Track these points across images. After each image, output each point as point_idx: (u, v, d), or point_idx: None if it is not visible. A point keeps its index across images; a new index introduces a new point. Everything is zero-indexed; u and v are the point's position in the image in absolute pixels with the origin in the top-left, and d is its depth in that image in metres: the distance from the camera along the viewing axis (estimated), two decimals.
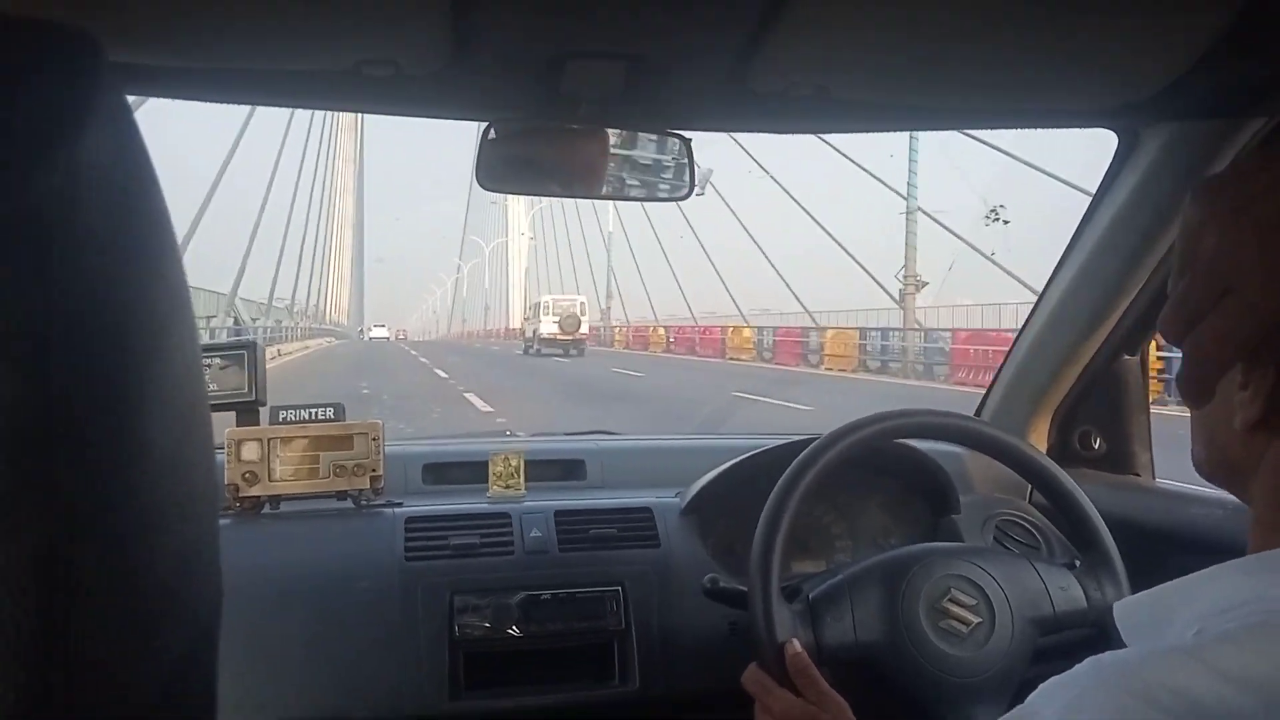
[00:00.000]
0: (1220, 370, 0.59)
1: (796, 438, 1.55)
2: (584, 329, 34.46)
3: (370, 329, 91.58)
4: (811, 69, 1.07)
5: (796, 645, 1.13)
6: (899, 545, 1.40)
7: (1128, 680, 0.54)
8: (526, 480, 1.59)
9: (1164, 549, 1.35)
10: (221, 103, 1.16)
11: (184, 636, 0.36)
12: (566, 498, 1.57)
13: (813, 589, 1.22)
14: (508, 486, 1.58)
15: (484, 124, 1.18)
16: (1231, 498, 1.45)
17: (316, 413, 1.46)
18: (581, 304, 35.40)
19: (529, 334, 35.83)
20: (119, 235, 0.33)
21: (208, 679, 0.39)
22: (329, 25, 0.94)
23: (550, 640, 1.37)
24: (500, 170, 1.20)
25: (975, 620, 1.19)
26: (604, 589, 1.41)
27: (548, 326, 33.31)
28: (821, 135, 1.30)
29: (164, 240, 0.36)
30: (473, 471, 1.64)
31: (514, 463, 1.59)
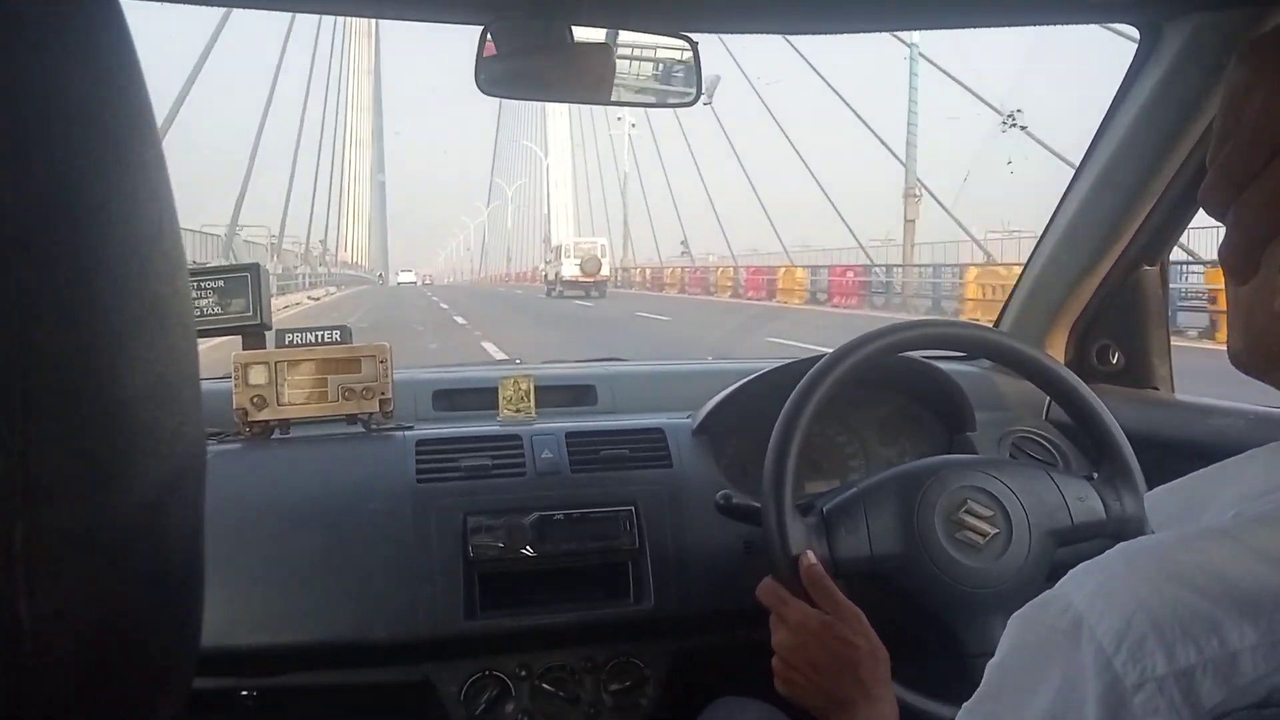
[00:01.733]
0: (1270, 235, 0.56)
1: (806, 358, 1.53)
2: (605, 271, 35.06)
3: (398, 273, 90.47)
4: None
5: (811, 557, 1.12)
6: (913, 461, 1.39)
7: (1162, 562, 0.52)
8: (537, 406, 1.58)
9: (1184, 462, 1.31)
10: (204, 4, 1.13)
11: (156, 478, 0.34)
12: (577, 421, 1.56)
13: (827, 503, 1.21)
14: (518, 410, 1.57)
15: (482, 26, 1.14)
16: (1252, 408, 1.43)
17: (322, 335, 1.44)
18: (602, 246, 36.14)
19: (551, 276, 36.46)
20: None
21: (184, 605, 0.38)
22: None
23: (564, 560, 1.37)
24: (501, 74, 1.17)
25: (992, 531, 1.18)
26: (617, 509, 1.40)
27: (569, 269, 33.93)
28: (833, 35, 1.26)
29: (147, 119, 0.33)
30: (482, 398, 1.63)
31: (524, 387, 1.58)
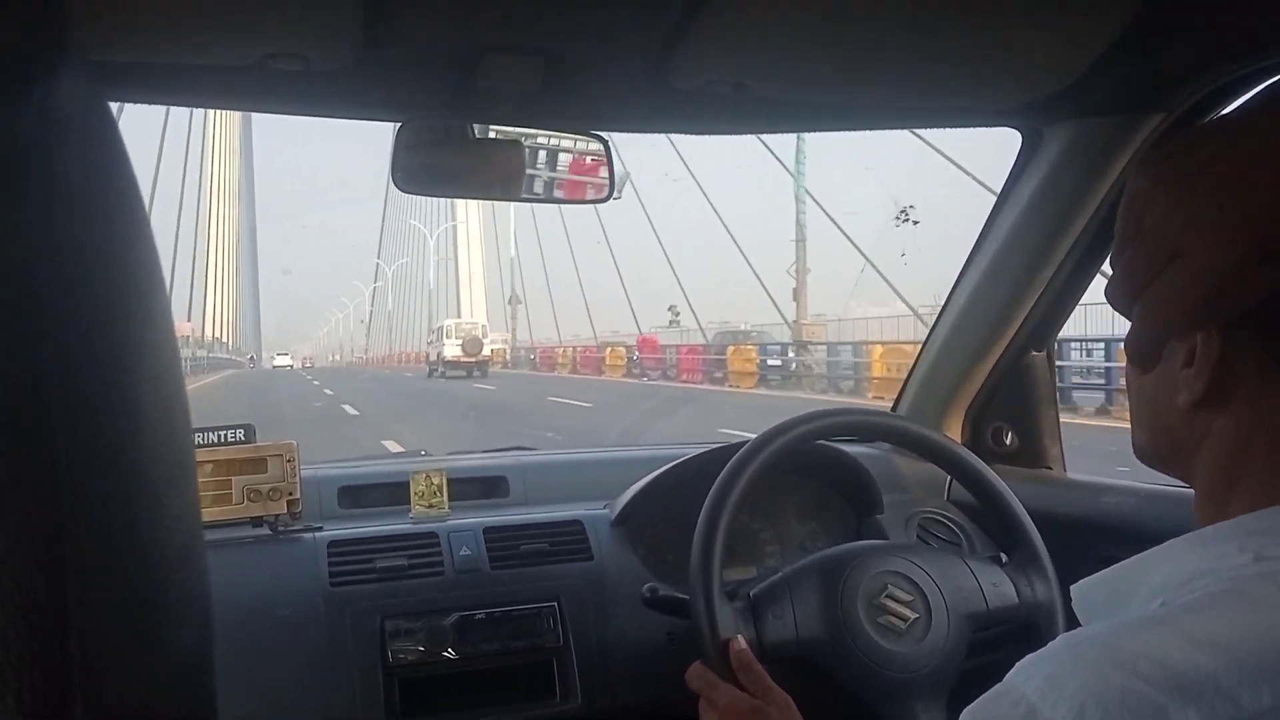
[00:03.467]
0: (1168, 334, 0.60)
1: (720, 445, 1.55)
2: (486, 351, 35.64)
3: (274, 356, 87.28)
4: (730, 65, 1.07)
5: (741, 642, 1.13)
6: (827, 547, 1.41)
7: (1106, 652, 0.54)
8: (450, 499, 1.55)
9: (1082, 540, 1.38)
10: (115, 101, 1.11)
11: (189, 628, 0.33)
12: (492, 515, 1.54)
13: (753, 588, 1.22)
14: (431, 505, 1.54)
15: (398, 124, 1.15)
16: (1142, 485, 1.50)
17: (226, 435, 1.39)
18: (483, 327, 36.97)
19: (433, 357, 36.77)
20: (94, 187, 0.30)
21: (210, 673, 0.36)
22: (233, 16, 0.90)
23: (487, 661, 1.33)
24: (417, 171, 1.17)
25: (912, 616, 1.20)
26: (539, 605, 1.38)
27: (451, 349, 34.34)
28: (740, 135, 1.31)
29: (135, 199, 0.33)
30: (391, 493, 1.59)
31: (436, 481, 1.55)
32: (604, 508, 1.56)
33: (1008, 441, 1.73)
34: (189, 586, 0.32)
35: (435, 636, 1.31)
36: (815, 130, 1.32)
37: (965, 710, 0.59)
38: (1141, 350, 0.62)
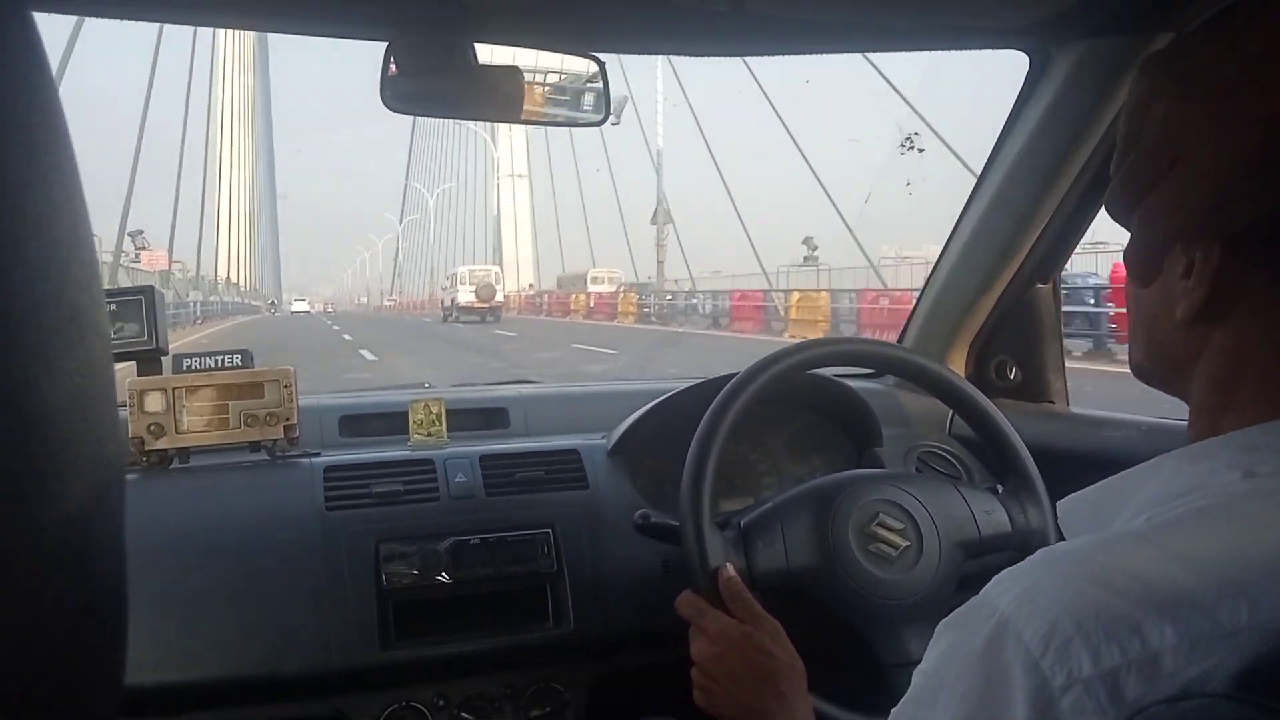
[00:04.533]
0: (1169, 242, 0.59)
1: (720, 376, 1.54)
2: (499, 296, 36.73)
3: (291, 302, 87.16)
4: None
5: (730, 570, 1.13)
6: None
7: (1083, 566, 0.53)
8: (448, 430, 1.56)
9: (1081, 472, 1.36)
10: (106, 17, 1.09)
11: (78, 495, 0.32)
12: (490, 444, 1.54)
13: (744, 518, 1.22)
14: (429, 434, 1.55)
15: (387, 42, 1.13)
16: (1144, 419, 1.49)
17: (223, 360, 1.40)
18: (496, 274, 37.94)
19: (447, 302, 37.84)
20: (12, 106, 0.29)
21: (110, 633, 0.36)
22: None
23: (481, 585, 1.35)
24: (407, 91, 1.15)
25: (904, 544, 1.20)
26: (534, 531, 1.38)
27: (465, 295, 35.34)
28: (737, 57, 1.28)
29: (57, 120, 0.32)
30: (391, 423, 1.60)
31: (435, 410, 1.55)
32: (601, 438, 1.56)
33: (1011, 375, 1.72)
34: (76, 450, 0.32)
35: (429, 561, 1.32)
36: (814, 51, 1.29)
37: (941, 623, 0.59)
38: (1141, 262, 0.61)
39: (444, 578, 1.32)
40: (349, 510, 1.34)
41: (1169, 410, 1.26)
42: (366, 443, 1.58)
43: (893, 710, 0.61)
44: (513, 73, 1.25)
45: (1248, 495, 0.55)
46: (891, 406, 1.73)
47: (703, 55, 1.27)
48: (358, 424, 1.61)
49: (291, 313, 69.61)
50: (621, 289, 35.50)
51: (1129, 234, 0.61)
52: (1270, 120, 0.52)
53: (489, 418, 1.69)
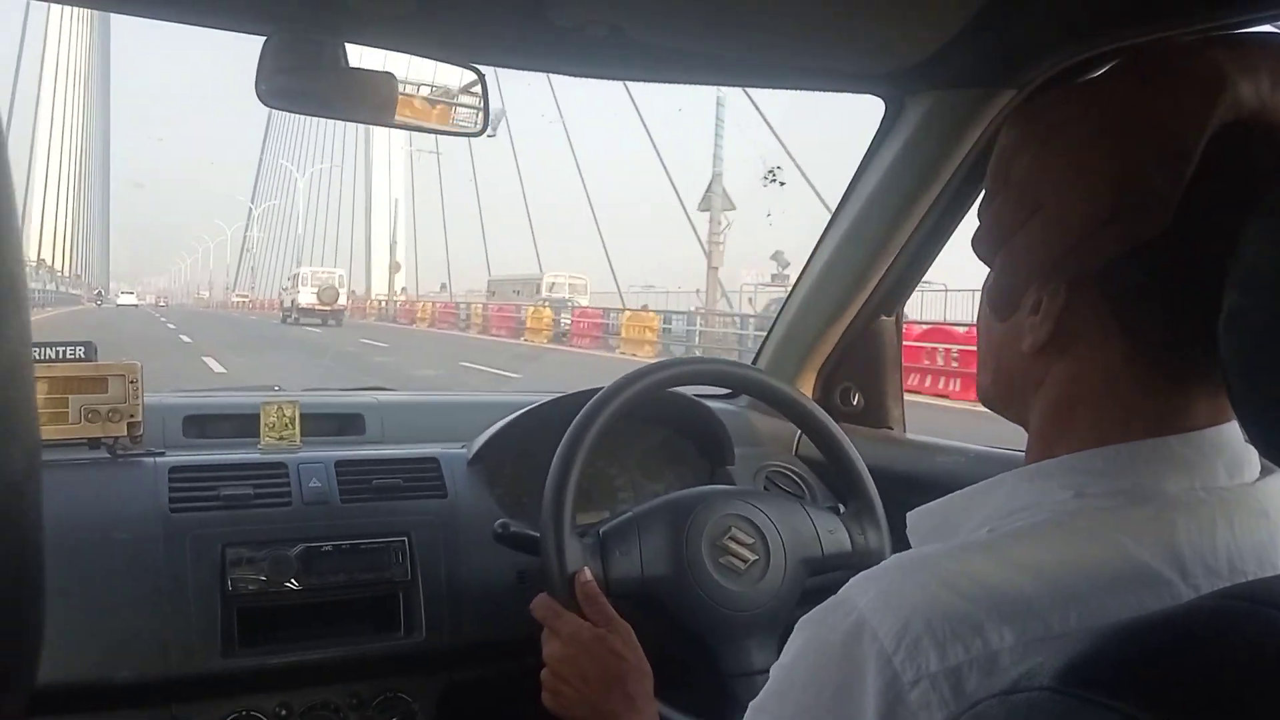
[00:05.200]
0: (1027, 281, 0.64)
1: (581, 390, 1.56)
2: (342, 300, 35.79)
3: (118, 294, 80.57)
4: (609, 6, 1.08)
5: (587, 574, 1.16)
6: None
7: (933, 572, 0.58)
8: (302, 434, 1.52)
9: (915, 494, 1.45)
10: None
11: (18, 460, 0.32)
12: (346, 450, 1.52)
13: (603, 527, 1.25)
14: (281, 438, 1.51)
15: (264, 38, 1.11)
16: (973, 447, 1.60)
17: (64, 351, 1.33)
18: (340, 276, 37.46)
19: (287, 304, 36.46)
20: None
21: (39, 514, 0.35)
22: None
23: (332, 593, 1.32)
24: (283, 87, 1.13)
25: (753, 558, 1.25)
26: (389, 540, 1.37)
27: (306, 297, 34.50)
28: (615, 80, 1.32)
29: None
30: (240, 425, 1.55)
31: (289, 413, 1.52)
32: (461, 448, 1.56)
33: (855, 402, 1.81)
34: (16, 416, 0.32)
35: (278, 567, 1.29)
36: (688, 81, 1.34)
37: (801, 619, 0.63)
38: (1000, 298, 0.67)
39: (293, 584, 1.30)
40: (195, 513, 1.30)
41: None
42: (213, 444, 1.52)
43: (751, 703, 0.65)
44: (386, 78, 1.25)
45: (1079, 512, 0.61)
46: (743, 426, 1.80)
47: (581, 76, 1.30)
48: (203, 425, 1.56)
49: (118, 305, 65.37)
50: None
51: (990, 271, 0.67)
52: (1117, 178, 0.58)
53: (344, 423, 1.66)
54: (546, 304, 28.75)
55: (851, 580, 0.62)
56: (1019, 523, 0.62)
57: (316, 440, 1.56)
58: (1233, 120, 0.58)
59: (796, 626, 0.63)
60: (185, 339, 22.00)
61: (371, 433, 1.66)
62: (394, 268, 50.25)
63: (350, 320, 37.27)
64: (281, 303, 39.93)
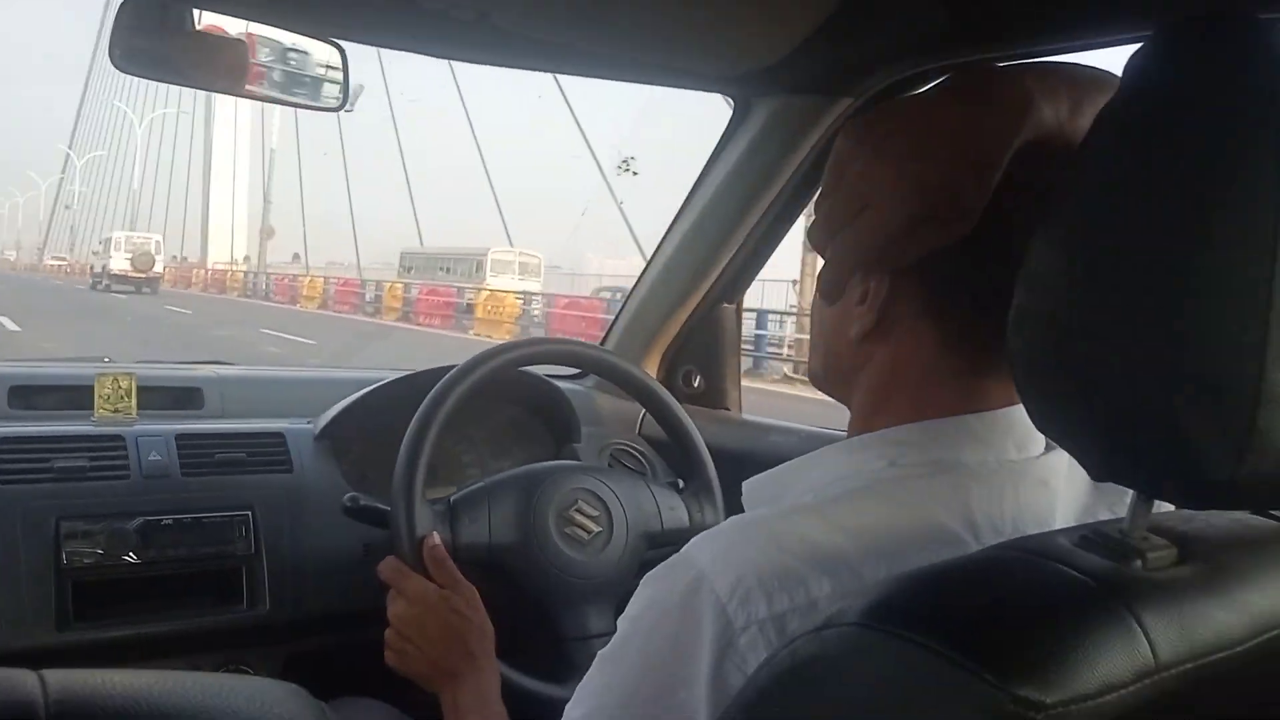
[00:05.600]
0: (853, 271, 0.73)
1: (432, 368, 1.58)
2: (158, 268, 34.21)
3: None
4: None
5: (435, 538, 1.19)
6: None
7: (765, 532, 0.66)
8: (138, 407, 1.48)
9: (750, 471, 1.55)
10: None
11: None
12: (187, 424, 1.49)
13: (454, 495, 1.28)
14: (116, 410, 1.46)
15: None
16: (803, 427, 1.71)
17: None
18: (156, 242, 35.33)
19: (98, 269, 34.59)
20: None
21: None
22: None
23: (173, 566, 1.30)
24: (135, 50, 1.11)
25: (597, 529, 1.32)
26: (232, 513, 1.36)
27: (119, 262, 32.69)
28: (478, 64, 1.34)
29: None
30: (70, 397, 1.50)
31: (125, 385, 1.47)
32: (308, 423, 1.56)
33: (696, 384, 1.90)
34: None
35: (116, 540, 1.27)
36: (547, 70, 1.38)
37: (646, 576, 0.70)
38: (830, 285, 0.75)
39: (132, 558, 1.27)
40: (25, 484, 1.25)
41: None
42: (41, 416, 1.46)
43: (600, 651, 0.70)
44: (236, 44, 1.24)
45: (891, 480, 0.70)
46: (588, 406, 1.86)
47: (446, 58, 1.32)
48: (30, 396, 1.49)
49: None
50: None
51: (824, 261, 0.75)
52: (934, 184, 0.67)
53: (181, 397, 1.62)
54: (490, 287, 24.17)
55: (692, 540, 0.68)
56: (840, 489, 0.70)
57: (153, 414, 1.52)
58: (1035, 139, 0.67)
59: (641, 583, 0.69)
60: None
61: (211, 407, 1.62)
62: (266, 233, 44.90)
63: (175, 291, 35.35)
64: (92, 268, 37.83)
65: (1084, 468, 0.57)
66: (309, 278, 32.64)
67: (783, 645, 0.56)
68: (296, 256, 50.13)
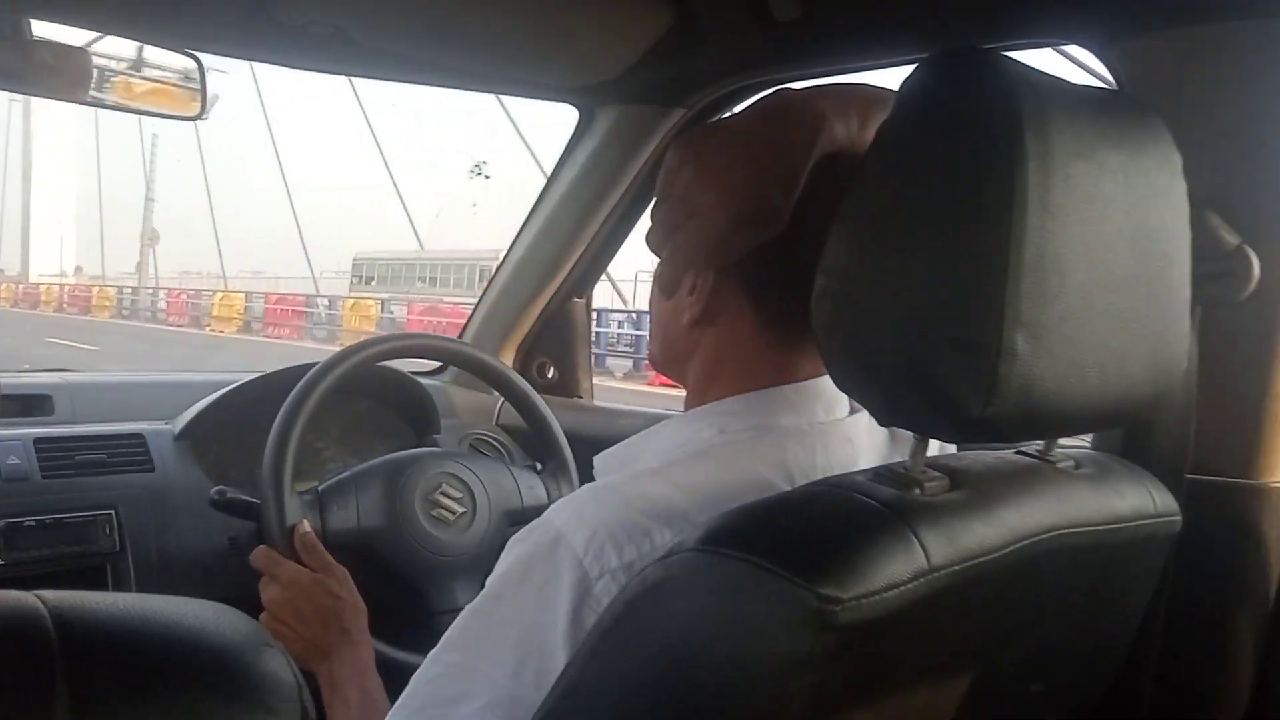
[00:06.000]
0: (684, 269, 0.84)
1: (292, 366, 1.63)
2: None
3: None
4: (332, 9, 1.17)
5: (306, 526, 1.24)
6: None
7: (615, 493, 0.76)
8: None
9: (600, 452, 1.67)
10: None
11: None
12: (42, 429, 1.48)
13: (321, 485, 1.34)
14: None
15: None
16: (648, 410, 1.84)
17: None
18: None
19: None
20: None
21: None
22: None
23: (39, 566, 1.31)
24: None
25: (461, 510, 1.40)
26: (95, 513, 1.38)
27: None
28: (336, 75, 1.40)
29: None
30: None
31: None
32: (166, 424, 1.58)
33: (550, 374, 2.00)
34: None
35: None
36: (403, 81, 1.45)
37: (511, 538, 0.79)
38: (665, 281, 0.87)
39: None
40: None
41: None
42: None
43: (468, 606, 0.78)
44: (79, 53, 1.25)
45: (721, 444, 0.81)
46: (448, 399, 1.93)
47: (303, 69, 1.37)
48: None
49: None
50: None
51: (659, 261, 0.86)
52: (748, 193, 0.79)
53: (30, 404, 1.61)
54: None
55: (552, 505, 0.78)
56: (678, 455, 0.82)
57: (3, 422, 1.51)
58: (830, 152, 0.79)
59: (507, 545, 0.78)
60: None
61: (61, 413, 1.62)
62: (150, 238, 36.99)
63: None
64: None
65: (873, 416, 0.69)
66: (221, 294, 26.58)
67: (631, 579, 0.66)
68: (80, 269, 45.44)
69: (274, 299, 24.26)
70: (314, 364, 1.36)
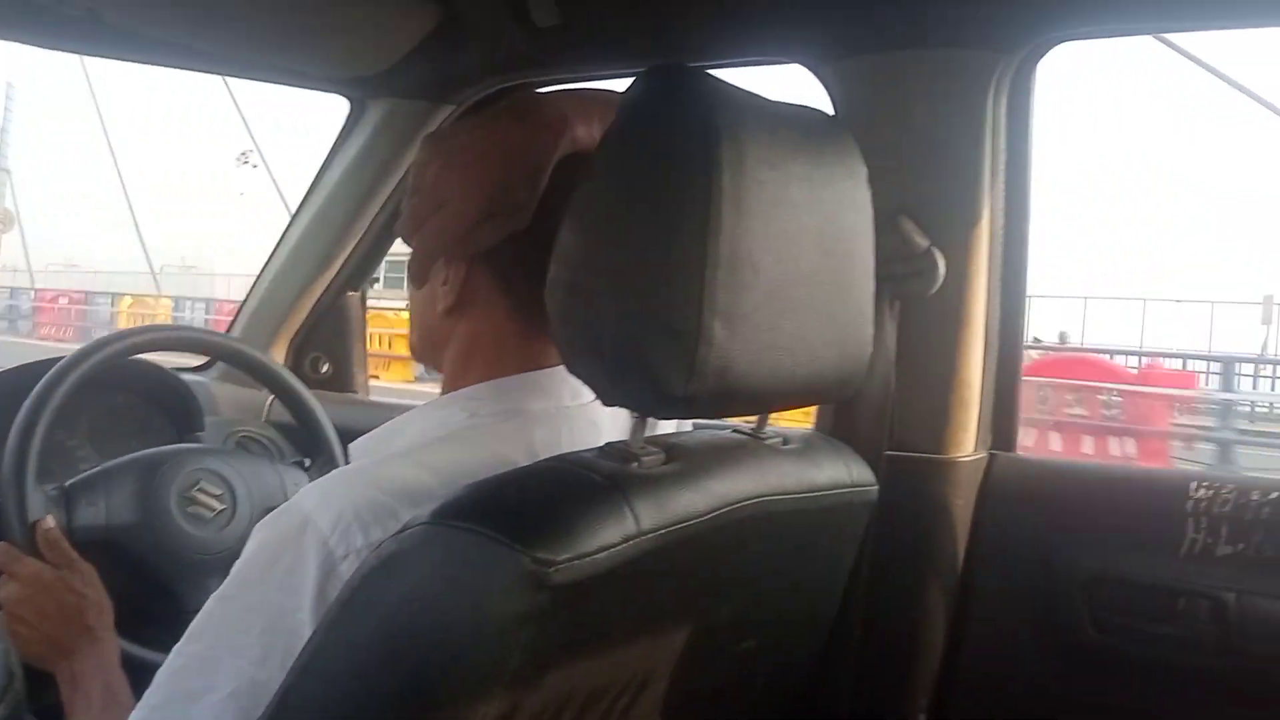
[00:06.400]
0: (434, 258, 0.87)
1: (36, 360, 1.54)
2: None
3: None
4: None
5: (49, 521, 1.19)
6: None
7: (363, 476, 0.79)
8: None
9: None
10: None
11: None
12: None
13: (68, 480, 1.28)
14: None
15: None
16: (413, 402, 1.84)
17: None
18: None
19: None
20: None
21: None
22: None
23: None
24: None
25: (220, 507, 1.37)
26: None
27: None
28: (94, 58, 1.34)
29: None
30: None
31: None
32: None
33: (323, 369, 1.97)
34: None
35: None
36: (165, 65, 1.40)
37: (257, 525, 0.80)
38: (416, 271, 0.90)
39: None
40: None
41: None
42: None
43: (215, 591, 0.79)
44: None
45: (470, 428, 0.86)
46: (210, 397, 1.87)
47: (60, 51, 1.31)
48: None
49: None
50: None
51: (411, 251, 0.89)
52: (494, 187, 0.83)
53: None
54: None
55: (300, 490, 0.80)
56: (429, 438, 0.85)
57: None
58: (572, 151, 0.84)
59: (254, 530, 0.79)
60: None
61: None
62: (4, 220, 25.23)
63: None
64: None
65: (598, 396, 0.75)
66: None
67: (369, 554, 0.69)
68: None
69: (49, 296, 21.95)
70: (60, 357, 1.30)
